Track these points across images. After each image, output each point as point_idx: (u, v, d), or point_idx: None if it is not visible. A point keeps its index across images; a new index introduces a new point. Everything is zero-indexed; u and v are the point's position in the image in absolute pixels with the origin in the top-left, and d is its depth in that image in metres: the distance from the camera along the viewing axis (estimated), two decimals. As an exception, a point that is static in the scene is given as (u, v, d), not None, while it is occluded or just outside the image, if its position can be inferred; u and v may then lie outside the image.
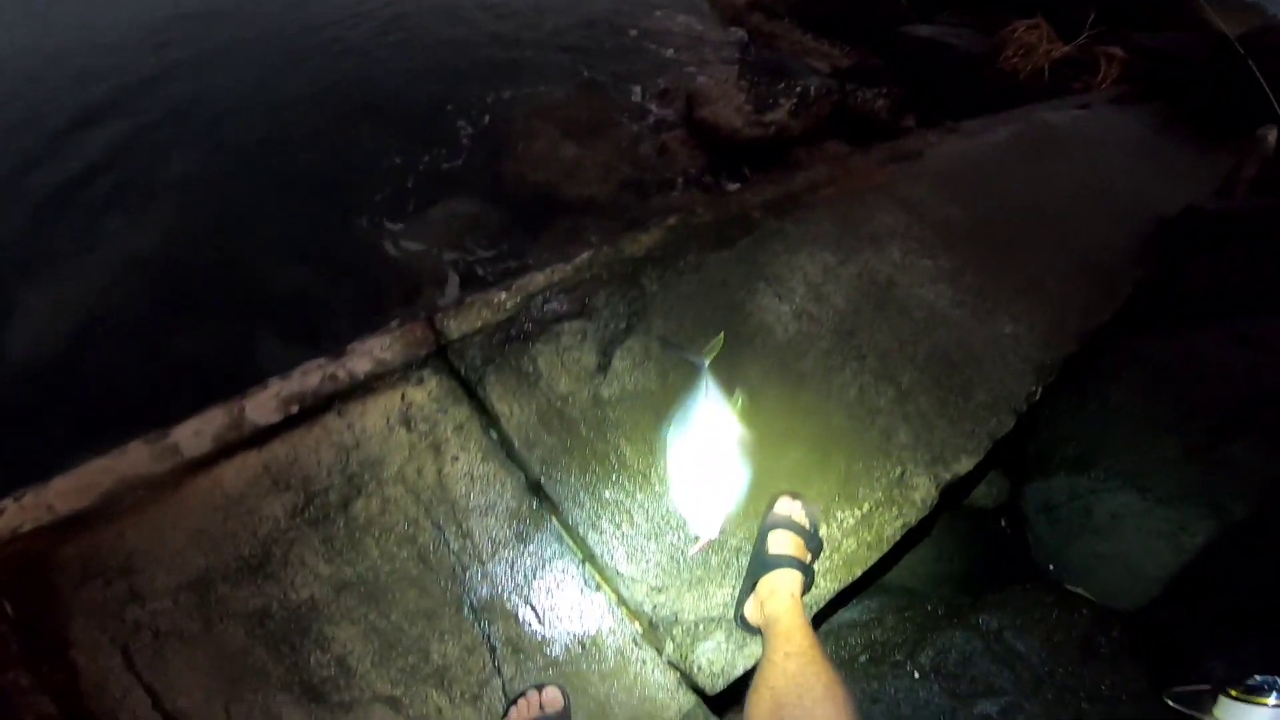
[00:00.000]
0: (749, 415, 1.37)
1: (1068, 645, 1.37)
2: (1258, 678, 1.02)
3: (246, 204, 3.59)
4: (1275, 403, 1.53)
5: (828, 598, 1.30)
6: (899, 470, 1.47)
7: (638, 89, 5.08)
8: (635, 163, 4.19)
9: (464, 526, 1.21)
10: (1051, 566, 1.58)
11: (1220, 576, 1.40)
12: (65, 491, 1.14)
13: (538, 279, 1.57)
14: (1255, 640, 1.39)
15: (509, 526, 1.23)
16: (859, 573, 1.35)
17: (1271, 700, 1.01)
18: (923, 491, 1.46)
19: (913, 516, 1.43)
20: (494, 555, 1.21)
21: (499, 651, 1.14)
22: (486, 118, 4.49)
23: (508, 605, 1.17)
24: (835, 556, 1.33)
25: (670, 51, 5.80)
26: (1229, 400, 1.53)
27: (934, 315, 1.73)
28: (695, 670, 1.18)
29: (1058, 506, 1.58)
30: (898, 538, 1.41)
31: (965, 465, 1.53)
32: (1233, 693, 1.05)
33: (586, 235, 3.26)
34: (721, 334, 1.49)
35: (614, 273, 1.63)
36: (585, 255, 1.65)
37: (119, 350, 2.74)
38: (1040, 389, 1.68)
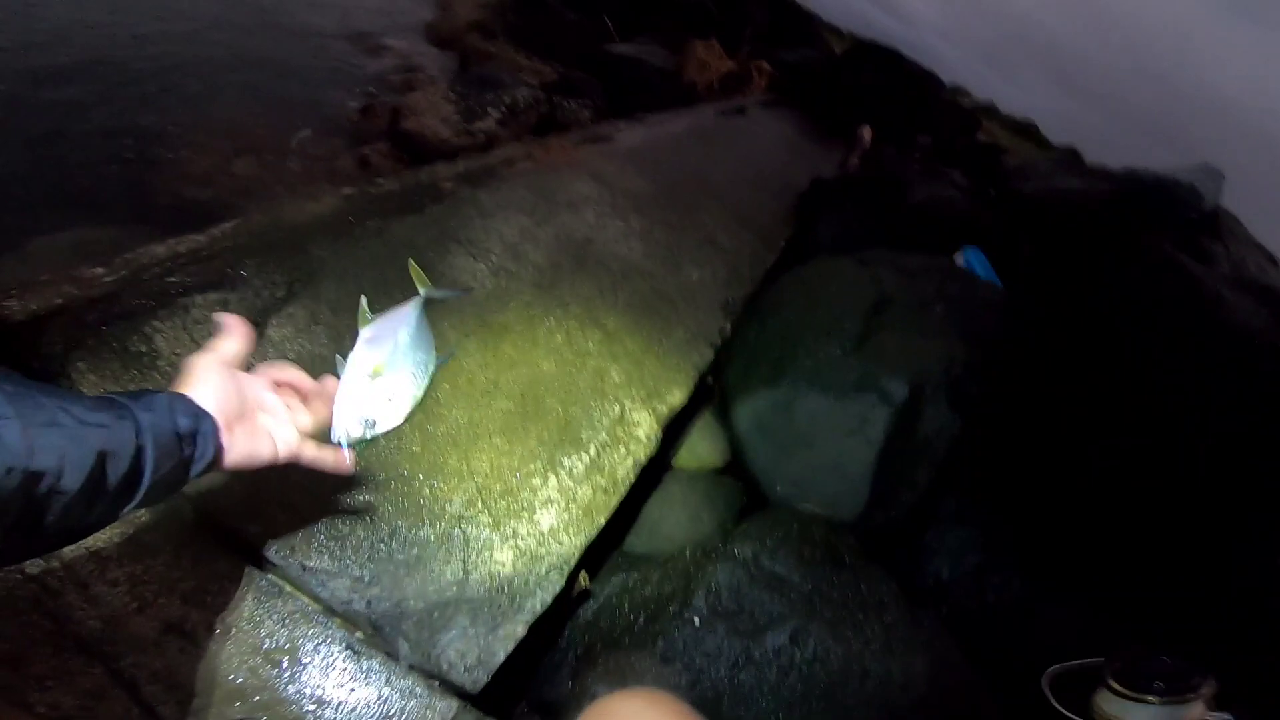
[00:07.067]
0: (449, 370, 1.29)
1: (817, 560, 1.45)
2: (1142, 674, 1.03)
3: None
4: (894, 302, 1.95)
5: (579, 554, 1.25)
6: (618, 409, 1.52)
7: (337, 105, 4.73)
8: (330, 176, 3.85)
9: (60, 551, 0.90)
10: (779, 488, 1.73)
11: (904, 470, 1.67)
12: None
13: (156, 250, 1.29)
14: (961, 530, 1.67)
15: (121, 536, 0.95)
16: (602, 520, 1.34)
17: (1155, 698, 1.06)
18: (645, 427, 1.53)
19: (641, 453, 1.49)
20: (101, 575, 0.91)
21: (143, 690, 0.86)
22: (136, 138, 3.71)
23: (144, 635, 0.89)
24: (574, 508, 1.30)
25: (379, 69, 5.57)
26: (863, 307, 1.92)
27: (630, 267, 1.87)
28: (445, 668, 1.03)
29: (766, 421, 1.76)
30: (632, 477, 1.44)
31: (678, 397, 1.65)
32: (1115, 686, 1.08)
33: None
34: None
35: (270, 241, 1.42)
36: (228, 224, 1.41)
37: None
38: (729, 324, 1.91)
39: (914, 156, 4.99)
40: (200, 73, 4.51)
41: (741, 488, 1.86)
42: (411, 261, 1.44)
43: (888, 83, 5.65)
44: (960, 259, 2.41)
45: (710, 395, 1.88)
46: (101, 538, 0.95)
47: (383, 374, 1.15)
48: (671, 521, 1.69)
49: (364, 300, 1.26)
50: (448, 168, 1.93)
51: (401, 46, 6.16)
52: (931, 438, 1.69)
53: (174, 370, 1.14)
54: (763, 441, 1.74)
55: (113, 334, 1.13)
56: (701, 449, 1.89)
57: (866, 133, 4.71)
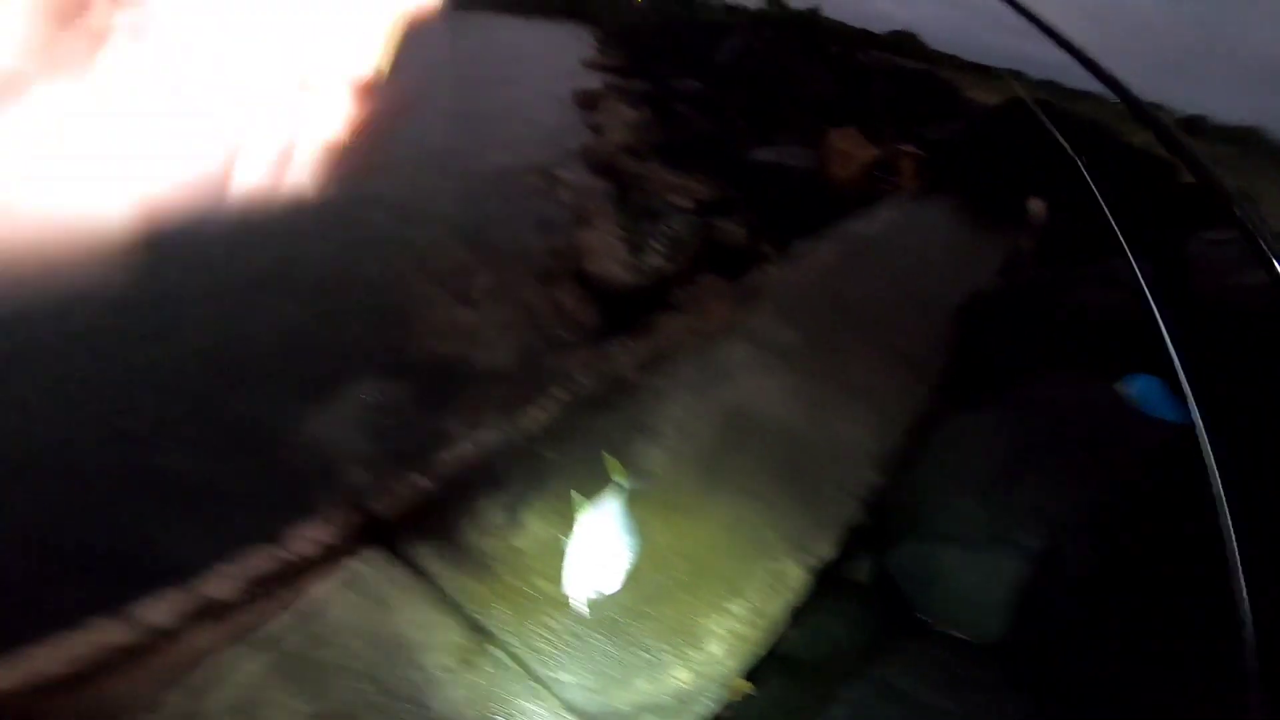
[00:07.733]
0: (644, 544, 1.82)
1: (940, 680, 1.75)
2: None
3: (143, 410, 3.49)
4: (1037, 452, 2.12)
5: (737, 672, 1.71)
6: (773, 563, 1.94)
7: (527, 249, 5.81)
8: (533, 322, 4.76)
9: (416, 659, 1.56)
10: (920, 615, 2.02)
11: (1044, 602, 1.87)
12: (48, 658, 1.38)
13: (462, 453, 2.03)
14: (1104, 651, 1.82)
15: (454, 657, 1.59)
16: (760, 651, 1.79)
17: None
18: (794, 577, 1.96)
19: (790, 597, 1.91)
20: (445, 680, 1.54)
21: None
22: (381, 292, 4.84)
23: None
24: (734, 640, 1.77)
25: (554, 207, 6.72)
26: (1004, 456, 2.12)
27: (782, 430, 2.29)
28: (639, 751, 1.54)
29: (907, 566, 2.08)
30: (784, 617, 1.88)
31: (824, 549, 2.04)
32: None
33: (493, 405, 3.64)
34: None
35: (516, 446, 2.10)
36: (490, 436, 2.12)
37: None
38: (878, 477, 2.23)
39: (1096, 226, 4.68)
40: (414, 221, 5.70)
41: (884, 602, 2.11)
42: (607, 456, 2.03)
43: (1048, 136, 5.34)
44: (1129, 388, 2.37)
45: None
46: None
47: (601, 552, 1.71)
48: (837, 628, 2.04)
49: (576, 495, 1.86)
50: (629, 356, 2.54)
51: (569, 177, 7.31)
52: (1072, 577, 1.84)
53: (472, 546, 1.81)
54: (907, 581, 2.02)
55: (437, 523, 1.84)
56: (870, 566, 2.20)
57: (1037, 208, 4.51)
